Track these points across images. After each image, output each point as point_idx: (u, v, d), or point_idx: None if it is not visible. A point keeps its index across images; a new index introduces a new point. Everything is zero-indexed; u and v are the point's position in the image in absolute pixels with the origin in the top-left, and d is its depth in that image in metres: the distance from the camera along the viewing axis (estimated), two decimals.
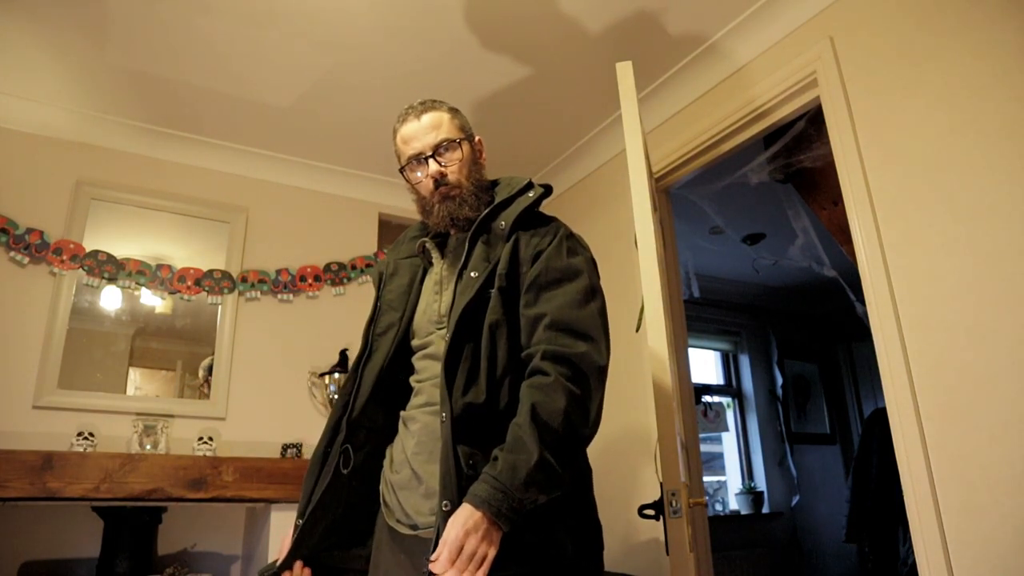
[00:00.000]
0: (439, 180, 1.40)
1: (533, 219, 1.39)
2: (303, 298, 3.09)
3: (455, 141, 1.42)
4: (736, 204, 3.55)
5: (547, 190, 1.43)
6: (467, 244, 1.37)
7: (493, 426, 1.18)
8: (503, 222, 1.36)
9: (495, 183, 1.49)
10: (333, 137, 3.02)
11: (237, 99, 2.72)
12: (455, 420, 1.17)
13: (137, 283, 2.78)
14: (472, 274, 1.31)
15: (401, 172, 1.46)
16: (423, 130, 1.41)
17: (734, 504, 4.76)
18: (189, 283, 2.85)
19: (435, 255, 1.46)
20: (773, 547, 4.60)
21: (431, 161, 1.40)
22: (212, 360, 2.86)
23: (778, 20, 2.23)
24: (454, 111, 1.47)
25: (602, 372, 1.20)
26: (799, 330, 5.36)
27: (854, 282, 2.05)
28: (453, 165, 1.41)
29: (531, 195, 1.40)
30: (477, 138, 1.50)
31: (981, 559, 1.54)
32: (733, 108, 2.38)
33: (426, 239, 1.48)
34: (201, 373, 2.85)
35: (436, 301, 1.40)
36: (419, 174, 1.43)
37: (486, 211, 1.38)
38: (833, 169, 2.05)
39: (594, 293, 1.29)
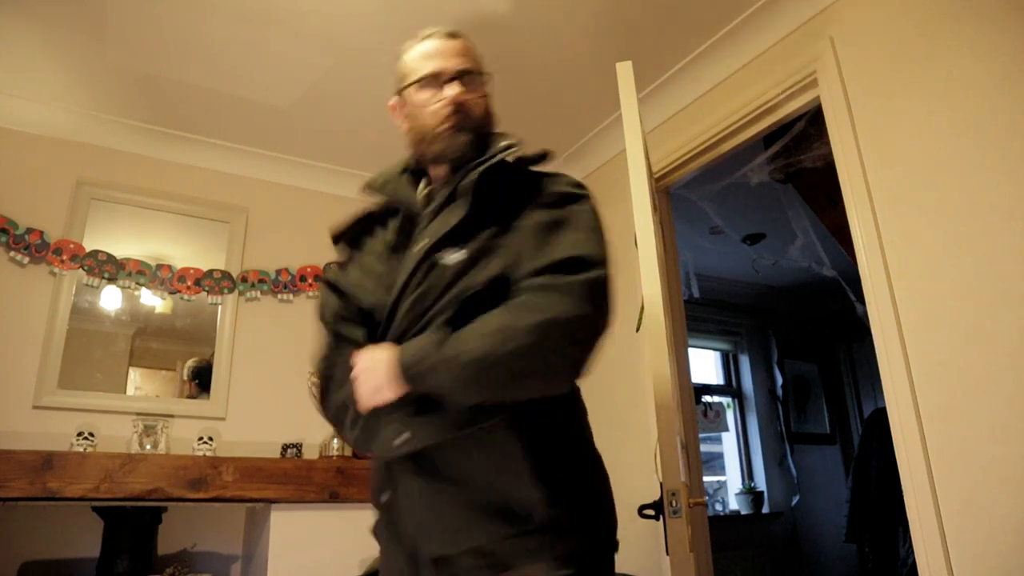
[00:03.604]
0: (459, 108, 1.15)
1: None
2: (303, 298, 3.08)
3: (482, 75, 1.21)
4: (736, 204, 3.55)
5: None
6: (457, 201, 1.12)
7: None
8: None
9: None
10: (333, 137, 3.02)
11: (237, 99, 2.72)
12: None
13: (137, 283, 2.78)
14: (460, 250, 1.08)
15: (400, 92, 1.23)
16: (451, 51, 1.19)
17: (734, 504, 4.76)
18: (189, 283, 2.85)
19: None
20: (773, 547, 4.59)
21: (455, 84, 1.16)
22: (197, 361, 2.86)
23: (778, 20, 2.23)
24: (473, 47, 1.27)
25: None
26: (799, 330, 5.36)
27: (854, 282, 2.05)
28: (481, 99, 1.19)
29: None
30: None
31: (981, 559, 1.54)
32: (733, 108, 2.38)
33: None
34: (186, 372, 2.85)
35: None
36: (427, 95, 1.17)
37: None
38: (833, 169, 2.05)
39: None
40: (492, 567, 1.02)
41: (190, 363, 2.87)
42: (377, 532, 1.19)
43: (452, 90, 1.16)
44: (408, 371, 1.00)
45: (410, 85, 1.20)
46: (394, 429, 1.03)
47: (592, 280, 1.02)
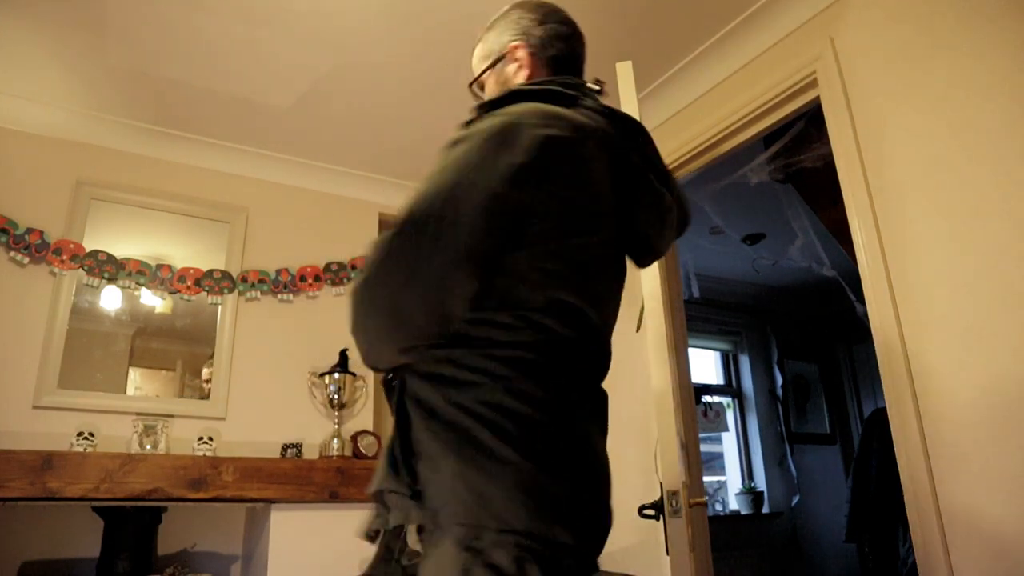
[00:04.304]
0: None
1: None
2: (303, 298, 3.09)
3: (475, 80, 1.32)
4: (736, 204, 3.55)
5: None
6: None
7: None
8: None
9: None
10: (333, 137, 3.02)
11: (237, 99, 2.72)
12: None
13: (137, 283, 2.78)
14: None
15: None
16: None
17: (734, 504, 4.76)
18: (189, 283, 2.85)
19: None
20: (773, 547, 4.60)
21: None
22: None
23: (778, 20, 2.23)
24: (489, 28, 1.35)
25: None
26: (799, 330, 5.36)
27: (854, 282, 2.06)
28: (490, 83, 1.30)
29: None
30: (511, 45, 1.27)
31: (981, 559, 1.54)
32: (733, 108, 2.38)
33: None
34: (205, 372, 2.86)
35: None
36: None
37: None
38: (833, 169, 2.05)
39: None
40: None
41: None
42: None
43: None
44: None
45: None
46: None
47: (373, 259, 0.88)
